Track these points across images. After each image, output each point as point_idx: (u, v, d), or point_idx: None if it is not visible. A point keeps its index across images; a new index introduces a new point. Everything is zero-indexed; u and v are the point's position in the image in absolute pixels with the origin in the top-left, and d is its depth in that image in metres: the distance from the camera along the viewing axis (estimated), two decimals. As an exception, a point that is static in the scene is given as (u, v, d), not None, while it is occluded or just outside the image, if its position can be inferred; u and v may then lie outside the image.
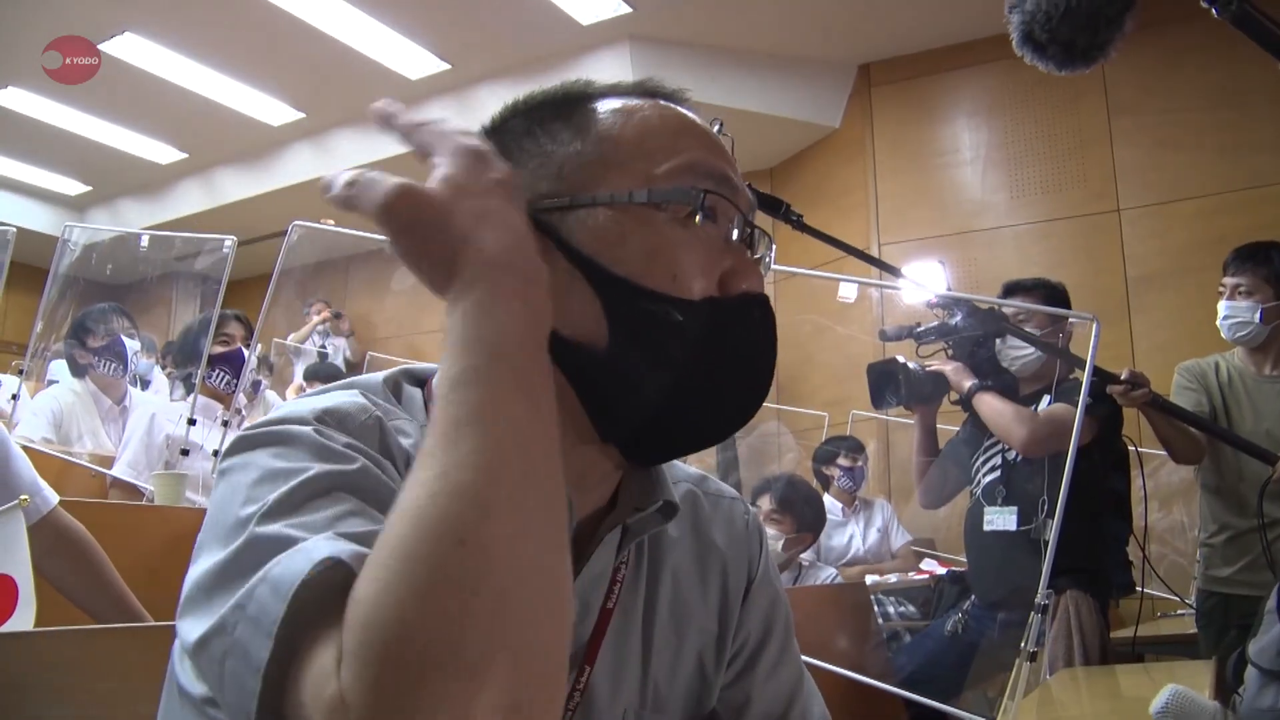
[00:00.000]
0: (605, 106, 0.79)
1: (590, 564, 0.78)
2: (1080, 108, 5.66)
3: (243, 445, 0.66)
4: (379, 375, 0.79)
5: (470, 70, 6.52)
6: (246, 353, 3.37)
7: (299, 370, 7.47)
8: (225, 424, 3.17)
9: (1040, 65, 1.21)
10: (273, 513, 0.58)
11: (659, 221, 0.74)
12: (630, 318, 0.72)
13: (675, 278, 0.72)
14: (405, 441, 0.71)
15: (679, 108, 0.82)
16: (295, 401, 0.71)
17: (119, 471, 3.12)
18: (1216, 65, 5.22)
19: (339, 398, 0.71)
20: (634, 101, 0.80)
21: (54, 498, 1.78)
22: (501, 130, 0.81)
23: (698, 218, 0.74)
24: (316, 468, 0.61)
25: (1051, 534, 2.07)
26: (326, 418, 0.67)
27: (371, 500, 0.61)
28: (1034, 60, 1.21)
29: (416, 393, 0.78)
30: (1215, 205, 5.18)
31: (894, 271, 2.86)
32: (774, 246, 0.83)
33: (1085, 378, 2.24)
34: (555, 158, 0.77)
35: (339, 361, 7.70)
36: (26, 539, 1.47)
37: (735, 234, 0.77)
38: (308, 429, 0.65)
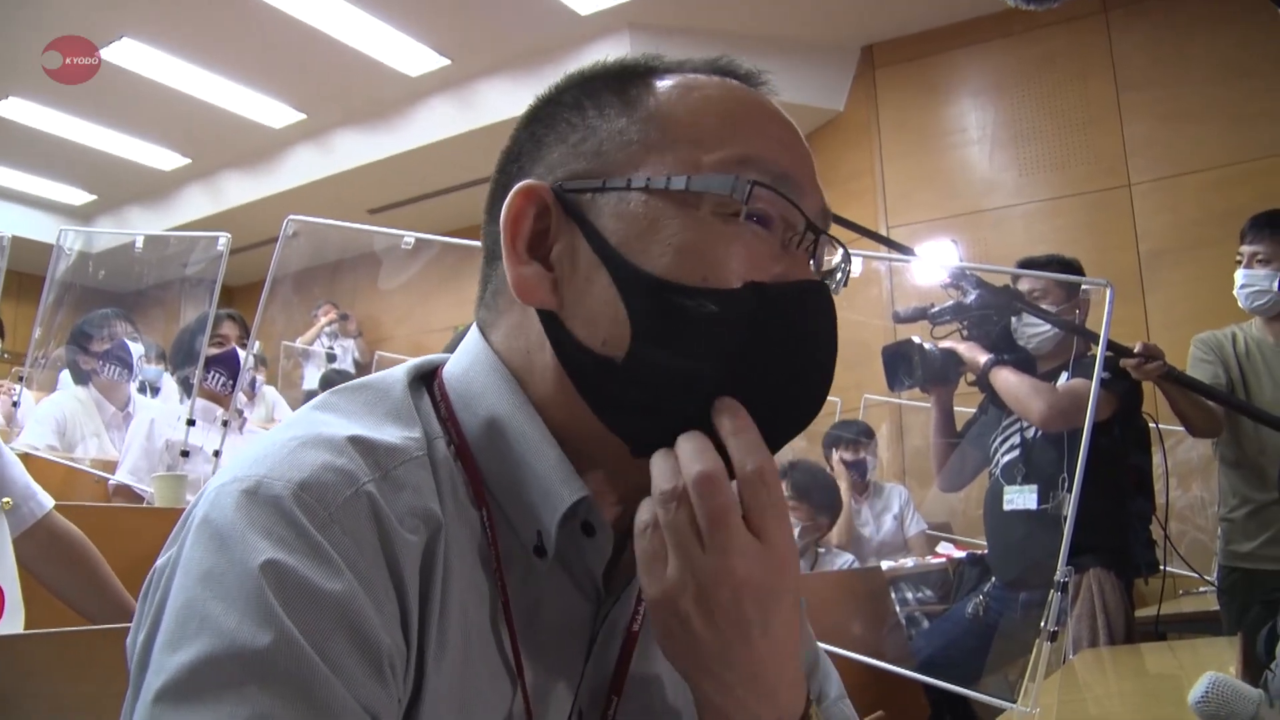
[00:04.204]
0: (664, 82, 0.70)
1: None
2: (1087, 83, 5.59)
3: (202, 525, 0.57)
4: (399, 385, 0.69)
5: (470, 65, 6.47)
6: (241, 353, 3.33)
7: (308, 373, 7.46)
8: (225, 424, 3.14)
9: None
10: (170, 693, 0.51)
11: (700, 215, 0.64)
12: (654, 315, 0.62)
13: (706, 279, 0.62)
14: (406, 502, 0.60)
15: (753, 90, 0.71)
16: (272, 456, 0.59)
17: (121, 478, 3.10)
18: (1224, 35, 5.17)
19: (320, 459, 0.59)
20: (698, 78, 0.70)
21: (49, 502, 1.75)
22: (554, 101, 0.72)
23: (741, 215, 0.64)
24: (232, 640, 0.51)
25: (1070, 509, 2.03)
26: (304, 496, 0.56)
27: (299, 683, 0.51)
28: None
29: (427, 402, 0.69)
30: (1227, 176, 5.11)
31: (906, 250, 2.82)
32: (850, 264, 0.73)
33: (1100, 346, 2.19)
34: (598, 134, 0.68)
35: (348, 362, 7.68)
36: (10, 544, 1.44)
37: (794, 240, 0.66)
38: (262, 555, 0.54)
